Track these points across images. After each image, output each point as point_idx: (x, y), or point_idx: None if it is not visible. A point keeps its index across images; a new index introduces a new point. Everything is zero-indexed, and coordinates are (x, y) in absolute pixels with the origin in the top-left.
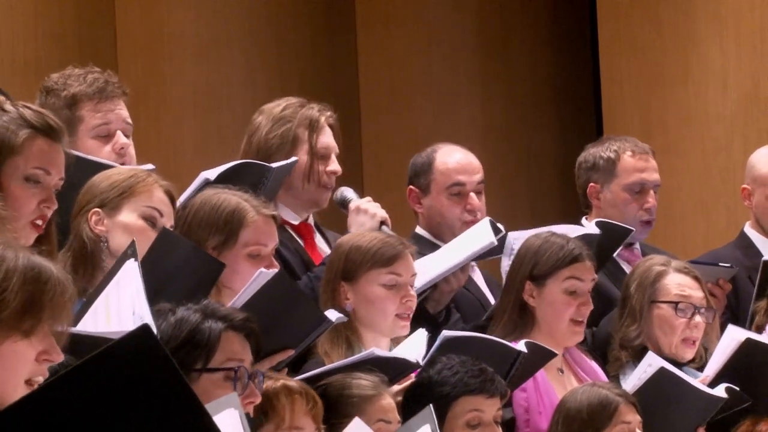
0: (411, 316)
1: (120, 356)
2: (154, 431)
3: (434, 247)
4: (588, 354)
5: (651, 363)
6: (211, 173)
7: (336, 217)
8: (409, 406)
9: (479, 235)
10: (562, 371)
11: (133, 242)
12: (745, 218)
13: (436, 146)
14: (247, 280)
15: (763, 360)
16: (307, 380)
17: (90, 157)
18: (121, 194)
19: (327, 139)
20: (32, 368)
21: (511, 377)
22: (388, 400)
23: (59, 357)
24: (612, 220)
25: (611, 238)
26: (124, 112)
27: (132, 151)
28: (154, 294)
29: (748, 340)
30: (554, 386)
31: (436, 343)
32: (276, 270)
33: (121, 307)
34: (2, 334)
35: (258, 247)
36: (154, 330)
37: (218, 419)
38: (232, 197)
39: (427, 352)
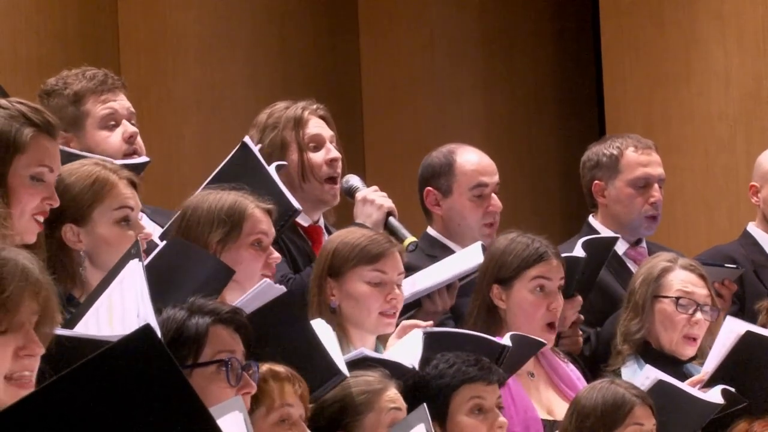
0: (397, 314)
1: (122, 356)
2: (155, 429)
3: (446, 249)
4: (567, 357)
5: (648, 376)
6: (251, 140)
7: (350, 212)
8: (410, 404)
9: (469, 256)
10: (532, 375)
11: (137, 242)
12: (748, 217)
13: (451, 146)
14: (251, 269)
15: (763, 354)
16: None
17: (64, 148)
18: (89, 205)
19: (315, 129)
20: (11, 365)
21: None
22: (394, 390)
23: (39, 349)
24: (597, 236)
25: (599, 252)
26: (126, 102)
27: (140, 140)
28: (163, 299)
29: (748, 333)
30: (524, 390)
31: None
32: (284, 289)
33: (125, 310)
34: None
35: (260, 235)
36: (157, 331)
37: (222, 423)
38: (228, 194)
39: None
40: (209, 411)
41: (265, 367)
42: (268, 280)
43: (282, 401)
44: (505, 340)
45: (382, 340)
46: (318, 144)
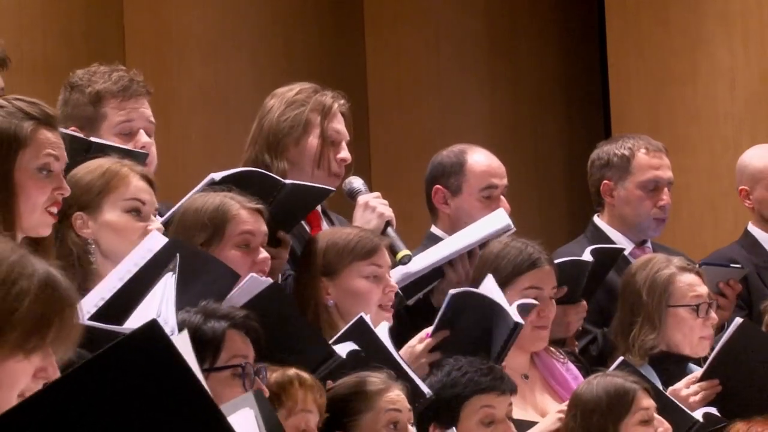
0: (392, 306)
1: (128, 353)
2: (164, 427)
3: None
4: (567, 357)
5: None
6: (218, 174)
7: (343, 204)
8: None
9: (494, 220)
10: (527, 377)
11: (176, 258)
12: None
13: (462, 146)
14: (238, 271)
15: (757, 348)
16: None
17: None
18: (99, 193)
19: (338, 125)
20: (28, 384)
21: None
22: (397, 391)
23: (56, 375)
24: (605, 245)
25: (605, 261)
26: (147, 111)
27: (154, 150)
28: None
29: (745, 322)
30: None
31: (445, 302)
32: (270, 281)
33: (148, 311)
34: (5, 354)
35: (245, 236)
36: (170, 329)
37: (234, 419)
38: (215, 197)
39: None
40: (218, 406)
41: (292, 371)
42: (253, 274)
43: (303, 406)
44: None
45: None
46: (336, 141)
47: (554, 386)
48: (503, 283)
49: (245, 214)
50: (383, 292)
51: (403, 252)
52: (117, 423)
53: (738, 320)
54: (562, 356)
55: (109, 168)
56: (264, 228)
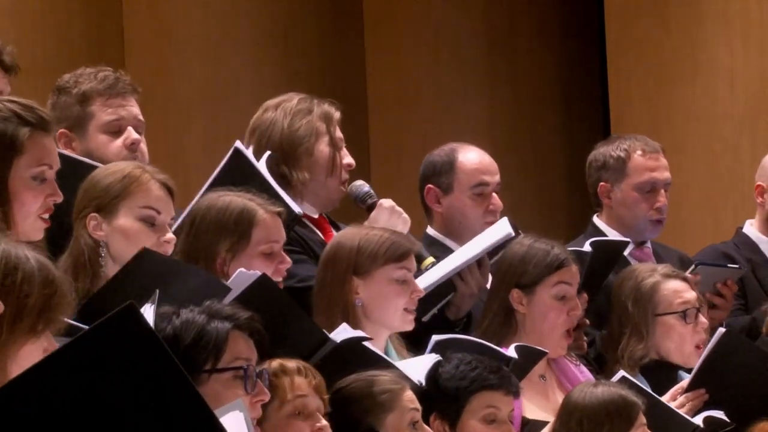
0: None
1: (105, 336)
2: (142, 409)
3: (445, 249)
4: (579, 360)
5: None
6: (240, 144)
7: (347, 213)
8: (422, 400)
9: (496, 230)
10: (544, 378)
11: (156, 292)
12: (753, 218)
13: (453, 145)
14: None
15: (742, 355)
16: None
17: (76, 156)
18: (117, 197)
19: (339, 133)
20: None
21: None
22: (410, 390)
23: None
24: (608, 238)
25: (606, 255)
26: (135, 109)
27: (144, 147)
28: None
29: (728, 332)
30: (534, 393)
31: (428, 348)
32: (259, 273)
33: None
34: (24, 338)
35: (270, 244)
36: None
37: (223, 421)
38: (237, 198)
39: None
40: (196, 387)
41: (275, 362)
42: (242, 269)
43: (294, 394)
44: (510, 351)
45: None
46: (340, 146)
47: (567, 387)
48: (534, 282)
49: (269, 220)
50: (410, 296)
51: (430, 259)
52: (96, 403)
53: (720, 330)
54: (574, 358)
55: (130, 173)
56: (283, 232)
